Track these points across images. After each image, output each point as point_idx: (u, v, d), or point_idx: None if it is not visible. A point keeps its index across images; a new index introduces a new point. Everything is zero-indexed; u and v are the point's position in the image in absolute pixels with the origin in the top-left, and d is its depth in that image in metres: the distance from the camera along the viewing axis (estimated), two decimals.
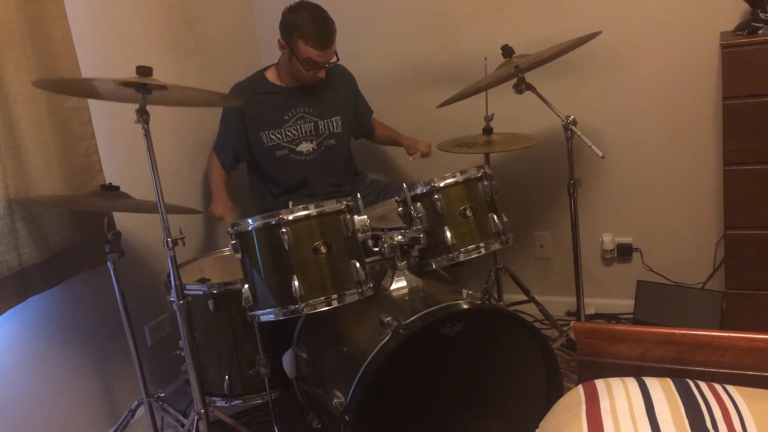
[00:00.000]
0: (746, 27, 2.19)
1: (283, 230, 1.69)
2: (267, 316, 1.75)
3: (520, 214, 2.86)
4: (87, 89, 1.95)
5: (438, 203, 1.89)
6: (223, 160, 2.57)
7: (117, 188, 1.95)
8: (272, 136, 2.50)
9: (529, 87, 2.19)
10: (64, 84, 1.91)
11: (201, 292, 2.03)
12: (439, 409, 1.75)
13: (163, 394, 2.11)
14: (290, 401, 2.33)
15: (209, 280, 2.06)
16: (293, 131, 2.51)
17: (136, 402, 2.14)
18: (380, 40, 2.93)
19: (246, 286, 1.76)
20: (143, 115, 1.70)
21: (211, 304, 2.03)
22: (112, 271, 1.99)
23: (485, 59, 2.46)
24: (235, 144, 2.54)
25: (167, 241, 1.76)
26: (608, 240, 2.78)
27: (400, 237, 1.89)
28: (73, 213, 2.05)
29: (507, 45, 2.26)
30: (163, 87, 1.70)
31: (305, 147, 2.52)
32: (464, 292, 1.83)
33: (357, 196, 1.86)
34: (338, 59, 2.43)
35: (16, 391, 1.96)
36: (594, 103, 2.65)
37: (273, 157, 2.51)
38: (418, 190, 1.93)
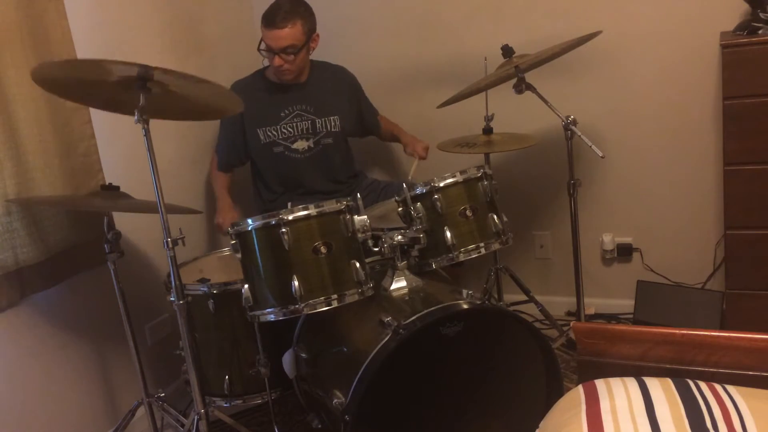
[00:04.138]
0: (746, 27, 2.19)
1: (283, 230, 1.69)
2: (267, 316, 1.75)
3: (520, 214, 2.86)
4: (86, 88, 1.92)
5: (438, 203, 1.89)
6: (222, 159, 2.57)
7: (117, 188, 1.95)
8: (268, 133, 2.50)
9: (529, 87, 2.19)
10: (64, 74, 1.84)
11: (201, 292, 2.03)
12: (439, 409, 1.75)
13: (163, 394, 2.11)
14: (290, 401, 2.33)
15: (209, 280, 2.06)
16: (289, 129, 2.51)
17: (136, 402, 2.14)
18: (380, 40, 2.93)
19: (246, 286, 1.76)
20: (143, 115, 1.70)
21: (211, 304, 2.03)
22: (112, 271, 1.99)
23: (485, 59, 2.46)
24: (234, 142, 2.54)
25: (167, 241, 1.75)
26: (608, 240, 2.78)
27: (400, 237, 1.89)
28: (73, 213, 2.04)
29: (507, 45, 2.26)
30: (164, 84, 1.69)
31: (301, 145, 2.52)
32: (464, 292, 1.83)
33: (357, 196, 1.86)
34: (295, 54, 2.36)
35: (16, 391, 1.96)
36: (594, 103, 2.65)
37: (270, 154, 2.51)
38: (418, 190, 1.93)
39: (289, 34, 2.33)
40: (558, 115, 2.15)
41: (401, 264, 1.90)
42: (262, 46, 2.39)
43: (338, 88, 2.62)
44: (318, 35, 2.45)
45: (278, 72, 2.44)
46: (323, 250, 1.72)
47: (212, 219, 2.54)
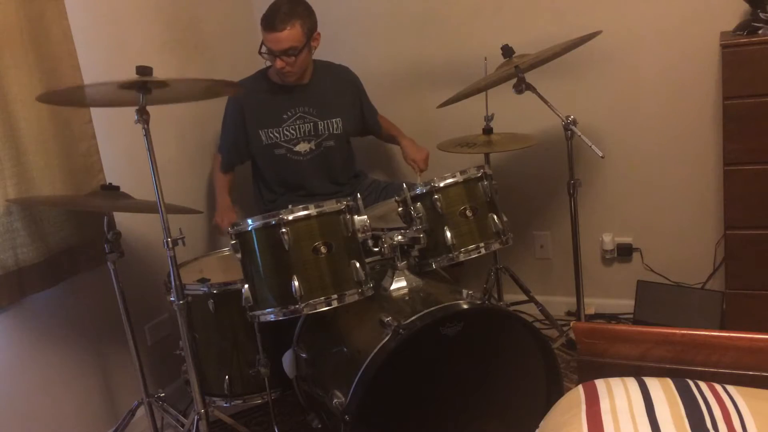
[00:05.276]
0: (746, 27, 2.19)
1: (283, 230, 1.69)
2: (267, 316, 1.75)
3: (520, 214, 2.86)
4: (88, 98, 1.93)
5: (438, 203, 1.89)
6: (224, 158, 2.58)
7: (117, 188, 1.95)
8: (271, 135, 2.50)
9: (529, 87, 2.19)
10: (68, 95, 1.89)
11: (201, 292, 2.03)
12: (439, 409, 1.75)
13: (163, 394, 2.11)
14: (290, 401, 2.32)
15: (209, 280, 2.06)
16: (291, 131, 2.50)
17: (136, 402, 2.14)
18: (380, 40, 2.93)
19: (246, 286, 1.76)
20: (143, 115, 1.70)
21: (211, 304, 2.03)
22: (112, 271, 1.99)
23: (485, 59, 2.46)
24: (236, 142, 2.54)
25: (167, 241, 1.75)
26: (608, 240, 2.78)
27: (400, 237, 1.89)
28: (73, 213, 2.05)
29: (507, 45, 2.26)
30: (164, 84, 1.70)
31: (303, 147, 2.52)
32: (464, 292, 1.83)
33: (357, 196, 1.86)
34: (296, 56, 2.36)
35: (16, 391, 1.96)
36: (594, 103, 2.65)
37: (271, 155, 2.51)
38: (418, 190, 1.93)
39: (288, 36, 2.32)
40: (558, 115, 2.15)
41: (401, 264, 1.90)
42: (263, 49, 2.38)
43: (341, 89, 2.62)
44: (319, 34, 2.45)
45: (281, 74, 2.44)
46: (323, 250, 1.72)
47: (212, 219, 2.54)
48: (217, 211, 2.49)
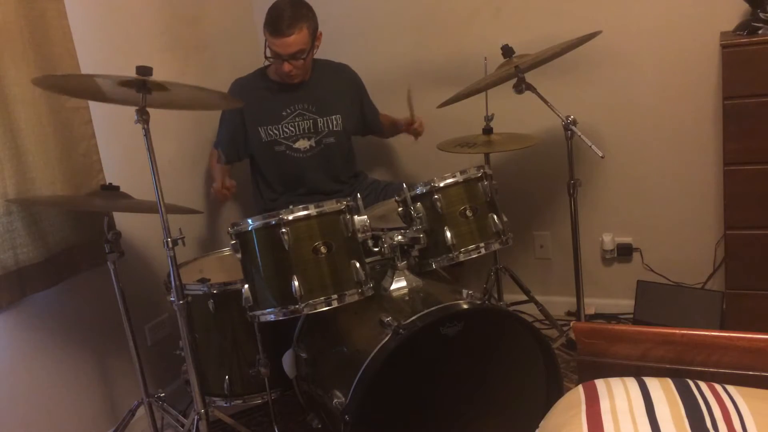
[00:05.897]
0: (746, 27, 2.19)
1: (283, 230, 1.69)
2: (267, 316, 1.75)
3: (520, 214, 2.86)
4: (87, 90, 1.94)
5: (438, 203, 1.89)
6: (221, 154, 2.57)
7: (117, 188, 1.95)
8: (270, 132, 2.50)
9: (529, 87, 2.19)
10: (65, 82, 1.91)
11: (201, 292, 2.03)
12: (439, 409, 1.75)
13: (163, 394, 2.11)
14: (290, 401, 2.32)
15: (209, 280, 2.06)
16: (291, 128, 2.51)
17: (136, 402, 2.14)
18: (380, 40, 2.93)
19: (246, 286, 1.76)
20: (143, 115, 1.70)
21: (211, 304, 2.03)
22: (112, 271, 1.99)
23: (485, 59, 2.46)
24: (234, 138, 2.54)
25: (167, 241, 1.75)
26: (608, 240, 2.78)
27: (400, 237, 1.89)
28: (73, 213, 2.05)
29: (507, 45, 2.26)
30: (164, 88, 1.70)
31: (303, 144, 2.52)
32: (464, 292, 1.83)
33: (357, 196, 1.86)
34: (304, 58, 2.38)
35: (16, 391, 1.96)
36: (594, 103, 2.65)
37: (271, 152, 2.52)
38: (418, 190, 1.93)
39: (296, 40, 2.33)
40: (558, 115, 2.15)
41: (401, 264, 1.90)
42: (269, 53, 2.38)
43: (340, 87, 2.62)
44: (321, 33, 2.46)
45: (288, 77, 2.44)
46: (323, 250, 1.72)
47: (212, 219, 2.55)
48: (215, 179, 2.44)
